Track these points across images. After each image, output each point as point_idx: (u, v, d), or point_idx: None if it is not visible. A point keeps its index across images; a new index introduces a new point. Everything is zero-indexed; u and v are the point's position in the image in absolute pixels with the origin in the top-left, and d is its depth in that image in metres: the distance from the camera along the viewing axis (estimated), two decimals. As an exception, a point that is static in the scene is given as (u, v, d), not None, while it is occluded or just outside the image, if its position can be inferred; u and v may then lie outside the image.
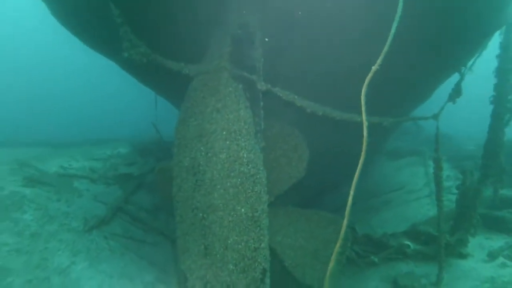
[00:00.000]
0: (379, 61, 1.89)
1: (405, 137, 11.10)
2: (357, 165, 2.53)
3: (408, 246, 4.41)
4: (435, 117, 3.78)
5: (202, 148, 3.13)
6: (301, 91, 3.53)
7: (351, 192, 2.07)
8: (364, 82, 2.29)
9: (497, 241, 4.21)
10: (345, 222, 2.05)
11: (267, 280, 2.79)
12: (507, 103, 3.91)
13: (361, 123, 3.14)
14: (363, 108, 1.85)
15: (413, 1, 2.89)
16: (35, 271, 3.36)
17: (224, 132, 2.99)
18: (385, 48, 1.89)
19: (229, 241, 2.92)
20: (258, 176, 2.96)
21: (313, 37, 3.35)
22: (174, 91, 4.56)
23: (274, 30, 3.30)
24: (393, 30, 1.97)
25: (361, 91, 2.32)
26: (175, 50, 3.44)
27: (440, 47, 3.46)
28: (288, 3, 3.07)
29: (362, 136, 3.68)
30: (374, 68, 1.91)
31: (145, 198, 6.46)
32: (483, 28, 3.47)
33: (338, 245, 2.16)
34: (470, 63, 3.96)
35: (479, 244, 4.27)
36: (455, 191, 4.53)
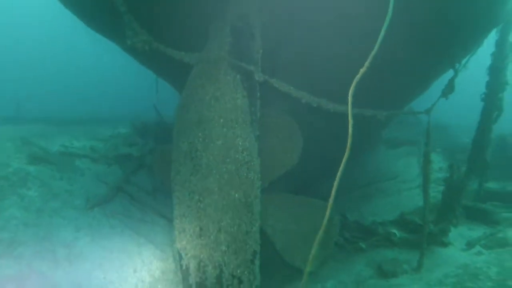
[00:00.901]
0: (367, 63, 2.00)
1: (403, 127, 11.20)
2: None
3: (395, 234, 4.63)
4: (427, 112, 3.90)
5: (200, 134, 3.27)
6: (299, 80, 3.64)
7: (335, 184, 2.22)
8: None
9: (477, 232, 4.43)
10: (328, 211, 2.22)
11: (257, 262, 3.00)
12: (497, 101, 4.02)
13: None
14: (349, 108, 1.98)
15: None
16: (42, 243, 3.59)
17: (222, 120, 3.12)
18: (375, 49, 2.00)
19: (222, 224, 3.11)
20: (252, 164, 3.11)
21: (312, 28, 3.42)
22: (174, 75, 4.66)
23: (274, 21, 3.37)
24: (384, 27, 2.07)
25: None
26: (176, 37, 3.52)
27: (436, 43, 3.54)
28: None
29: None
30: (362, 70, 2.02)
31: (145, 178, 6.64)
32: (480, 26, 3.54)
33: (321, 230, 2.33)
34: (464, 60, 4.04)
35: (461, 234, 4.49)
36: (445, 183, 4.70)
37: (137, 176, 6.59)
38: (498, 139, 6.46)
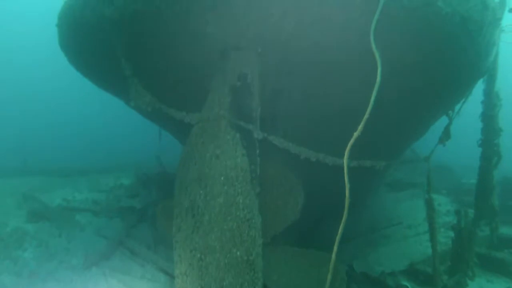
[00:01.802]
0: (360, 127, 2.08)
1: (405, 168, 11.13)
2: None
3: (406, 287, 4.40)
4: (426, 159, 3.93)
5: (201, 191, 3.28)
6: (299, 129, 3.73)
7: (337, 238, 2.18)
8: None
9: (498, 285, 4.19)
10: (331, 265, 2.15)
11: (261, 325, 2.83)
12: (494, 147, 4.06)
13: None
14: (345, 170, 2.01)
15: (403, 57, 3.14)
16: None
17: (222, 178, 3.15)
18: (366, 114, 2.09)
19: (224, 283, 2.99)
20: (253, 221, 3.08)
21: (309, 83, 3.57)
22: (177, 128, 4.79)
23: (272, 77, 3.53)
24: (374, 95, 2.17)
25: (352, 134, 2.49)
26: (178, 95, 3.69)
27: (426, 95, 3.68)
28: (285, 54, 3.31)
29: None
30: (355, 134, 2.10)
31: (146, 231, 6.51)
32: (465, 78, 3.70)
33: (327, 285, 2.24)
34: (457, 107, 4.18)
35: (480, 287, 4.25)
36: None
37: (138, 229, 6.47)
38: (504, 181, 6.38)
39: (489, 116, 4.14)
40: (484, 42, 3.24)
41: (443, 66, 3.25)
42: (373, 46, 2.49)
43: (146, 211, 6.96)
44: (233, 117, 3.12)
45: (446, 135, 3.99)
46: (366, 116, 2.10)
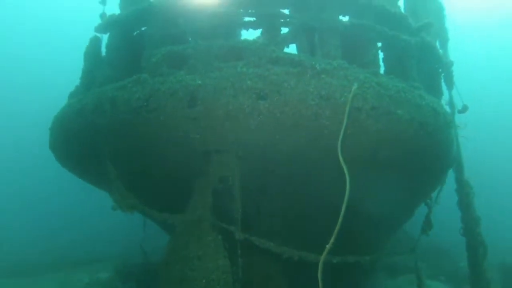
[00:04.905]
0: (332, 239, 2.15)
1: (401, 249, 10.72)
2: None
3: None
4: (412, 251, 3.90)
5: (183, 294, 3.12)
6: (280, 229, 3.74)
7: None
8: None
9: None
10: None
11: None
12: (477, 236, 4.10)
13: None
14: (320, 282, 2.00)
15: (374, 154, 3.40)
16: None
17: (204, 281, 3.06)
18: (337, 228, 2.18)
19: None
20: (236, 328, 2.88)
21: (288, 182, 3.71)
22: (160, 223, 4.72)
23: (253, 177, 3.68)
24: (345, 203, 2.30)
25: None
26: (161, 196, 3.78)
27: (402, 186, 3.85)
28: (264, 157, 3.51)
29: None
30: (328, 246, 2.17)
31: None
32: (434, 169, 3.96)
33: None
34: (435, 196, 4.36)
35: None
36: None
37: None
38: (504, 268, 6.18)
39: (465, 204, 4.29)
40: (443, 139, 3.60)
41: (410, 161, 3.52)
42: (340, 156, 2.72)
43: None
44: (215, 219, 3.17)
45: (427, 224, 4.05)
46: (340, 219, 2.18)
